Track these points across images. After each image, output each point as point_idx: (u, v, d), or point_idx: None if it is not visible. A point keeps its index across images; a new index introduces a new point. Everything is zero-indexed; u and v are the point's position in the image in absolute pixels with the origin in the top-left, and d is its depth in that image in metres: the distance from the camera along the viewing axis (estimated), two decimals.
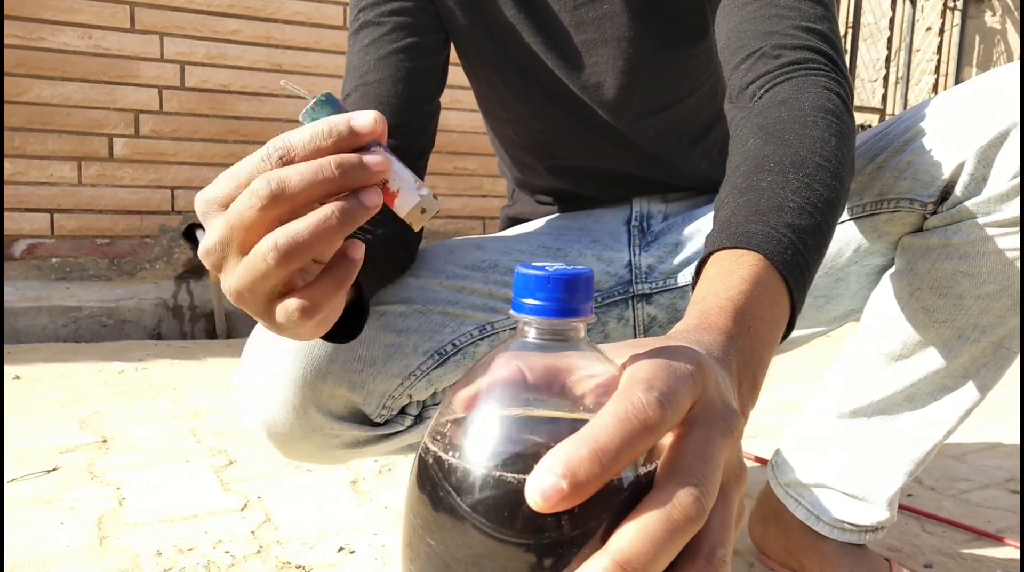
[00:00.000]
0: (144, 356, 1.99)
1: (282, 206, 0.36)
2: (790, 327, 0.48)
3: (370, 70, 0.81)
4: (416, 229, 0.40)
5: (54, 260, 2.29)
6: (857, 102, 3.79)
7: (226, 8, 2.38)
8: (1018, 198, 0.66)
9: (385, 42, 0.82)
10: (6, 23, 2.14)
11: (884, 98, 3.83)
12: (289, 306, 0.40)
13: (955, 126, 0.69)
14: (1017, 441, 1.47)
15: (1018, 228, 0.67)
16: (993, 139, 0.65)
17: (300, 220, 0.36)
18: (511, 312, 0.31)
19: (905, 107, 3.93)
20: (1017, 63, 0.69)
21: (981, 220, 0.68)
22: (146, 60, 2.31)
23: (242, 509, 1.04)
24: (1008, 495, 1.20)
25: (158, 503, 1.05)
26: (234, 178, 0.38)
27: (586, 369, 0.31)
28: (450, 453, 0.30)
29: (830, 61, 0.66)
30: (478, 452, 0.29)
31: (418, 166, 0.85)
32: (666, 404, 0.27)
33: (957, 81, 4.09)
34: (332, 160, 0.36)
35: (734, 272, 0.45)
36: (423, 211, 0.38)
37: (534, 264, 0.31)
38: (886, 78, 3.82)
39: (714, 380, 0.31)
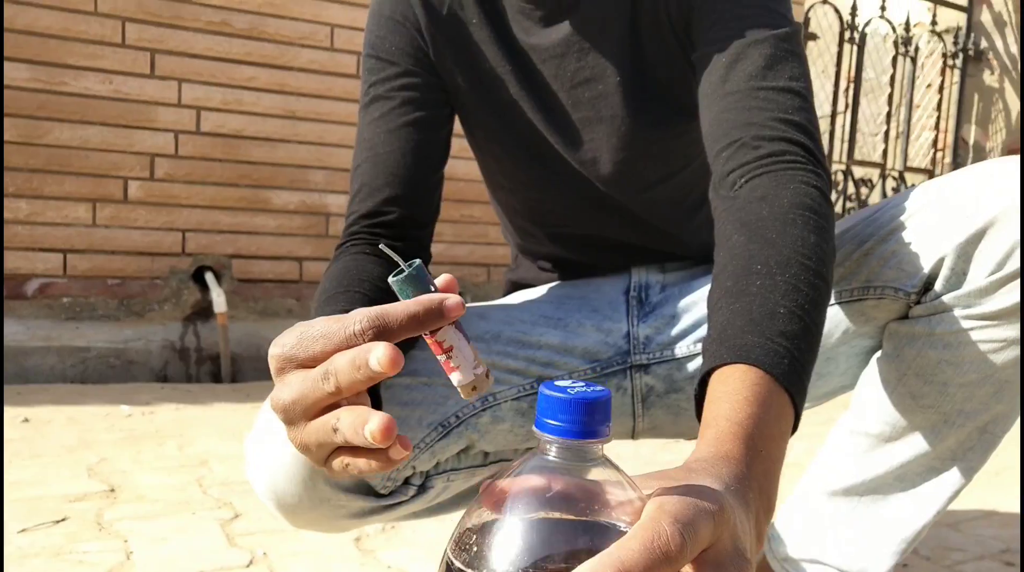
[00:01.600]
0: (151, 399, 2.02)
1: (365, 386, 0.39)
2: (794, 428, 0.52)
3: (381, 142, 0.86)
4: (465, 399, 0.44)
5: (65, 299, 2.33)
6: (858, 156, 3.85)
7: (243, 56, 2.44)
8: (996, 293, 0.69)
9: (395, 116, 0.86)
10: (30, 68, 2.20)
11: (884, 153, 3.89)
12: (348, 466, 0.43)
13: (937, 219, 0.73)
14: (1013, 509, 1.49)
15: (998, 321, 0.70)
16: (972, 235, 0.69)
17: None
18: (534, 429, 0.35)
19: (905, 162, 3.99)
20: (999, 161, 0.73)
21: (962, 313, 0.72)
22: (164, 105, 2.37)
23: (248, 566, 1.06)
24: (1003, 567, 1.22)
25: (165, 557, 1.07)
26: (317, 341, 0.41)
27: (604, 489, 0.34)
28: (474, 567, 0.32)
29: (807, 152, 0.70)
30: (501, 566, 0.32)
31: (424, 234, 0.88)
32: (688, 539, 0.31)
33: (956, 138, 4.15)
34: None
35: (739, 392, 0.48)
36: (474, 388, 0.41)
37: (556, 384, 0.35)
38: (887, 133, 3.89)
39: (732, 523, 0.34)
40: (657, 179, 0.91)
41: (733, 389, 0.49)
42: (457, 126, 0.94)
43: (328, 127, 2.57)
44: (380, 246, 0.46)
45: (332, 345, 0.40)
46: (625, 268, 0.98)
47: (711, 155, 0.75)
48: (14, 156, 2.22)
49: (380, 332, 0.39)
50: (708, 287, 0.79)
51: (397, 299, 0.42)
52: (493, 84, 0.88)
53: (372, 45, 0.89)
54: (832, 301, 0.79)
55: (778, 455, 0.47)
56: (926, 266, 0.72)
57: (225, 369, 2.34)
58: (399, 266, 0.42)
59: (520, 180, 0.95)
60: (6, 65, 2.18)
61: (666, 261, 0.98)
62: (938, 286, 0.72)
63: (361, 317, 0.40)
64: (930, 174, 4.10)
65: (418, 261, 0.42)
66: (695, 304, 0.90)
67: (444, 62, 0.88)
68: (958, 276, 0.70)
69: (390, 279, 0.41)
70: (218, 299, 2.36)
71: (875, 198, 3.94)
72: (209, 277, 2.44)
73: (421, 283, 0.41)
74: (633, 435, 0.93)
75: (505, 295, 1.09)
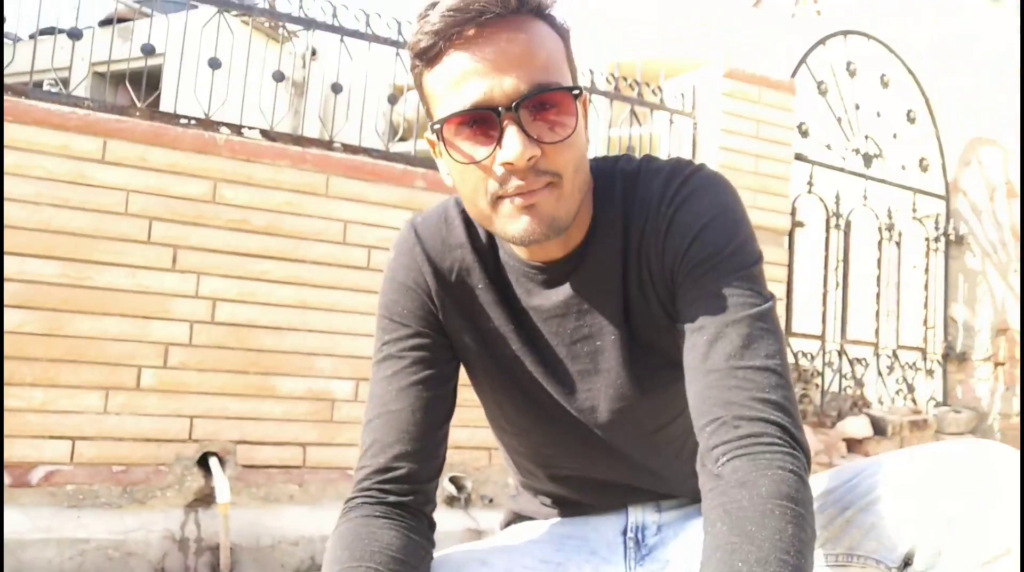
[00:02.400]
0: None
1: None
2: None
3: (392, 399, 0.93)
4: None
5: (69, 487, 2.34)
6: (851, 336, 3.95)
7: (260, 251, 2.58)
8: None
9: (405, 374, 0.94)
10: (60, 264, 2.33)
11: (876, 332, 4.00)
12: None
13: (917, 495, 0.78)
14: None
15: None
16: (950, 518, 0.74)
17: None
18: None
19: (898, 341, 4.09)
20: (971, 445, 0.79)
21: None
22: (182, 297, 2.48)
23: None
24: None
25: None
26: None
27: None
28: None
29: (784, 431, 0.77)
30: None
31: (431, 487, 0.94)
32: None
33: (945, 317, 4.28)
34: None
35: None
36: None
37: None
38: (877, 313, 4.01)
39: None
40: (651, 427, 0.98)
41: None
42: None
43: (337, 316, 2.67)
44: None
45: None
46: (622, 507, 1.03)
47: (697, 429, 0.82)
48: (34, 347, 2.30)
49: None
50: (701, 526, 0.84)
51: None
52: (497, 341, 0.96)
53: (386, 306, 0.98)
54: (820, 563, 0.83)
55: None
56: (905, 543, 0.77)
57: (224, 561, 2.31)
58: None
59: (522, 426, 1.02)
60: (35, 262, 2.30)
61: (661, 500, 1.03)
62: (917, 564, 0.76)
63: None
64: (922, 352, 4.19)
65: None
66: (689, 549, 0.94)
67: (452, 323, 0.96)
68: (935, 555, 0.75)
69: None
70: (221, 488, 2.37)
71: (870, 376, 4.01)
72: (214, 464, 2.46)
73: None
74: None
75: (507, 525, 1.14)
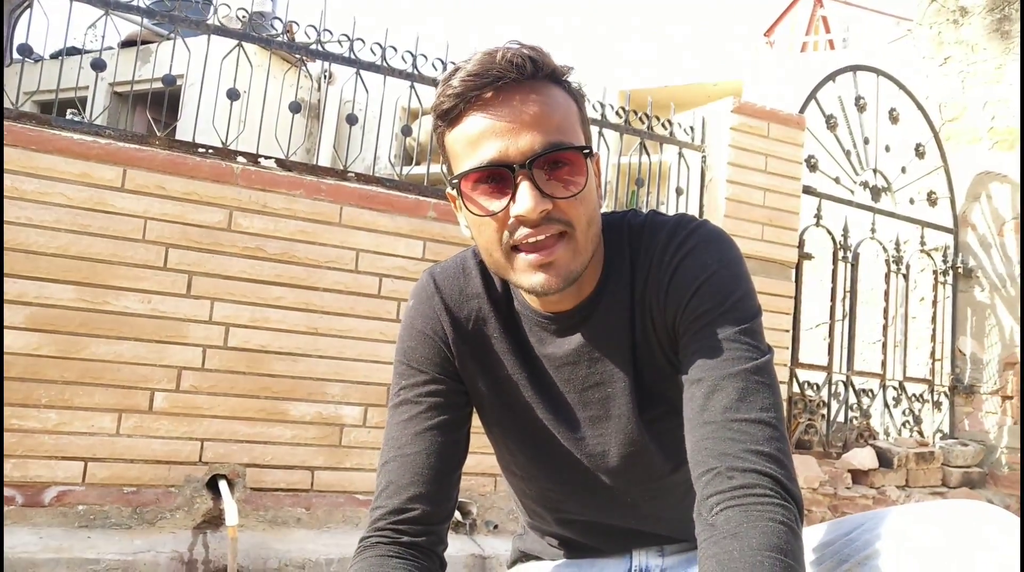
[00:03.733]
0: None
1: None
2: None
3: (408, 443, 0.96)
4: None
5: (80, 507, 2.38)
6: (858, 367, 3.96)
7: (273, 278, 2.63)
8: None
9: (421, 419, 0.98)
10: (77, 289, 2.38)
11: (883, 363, 4.00)
12: None
13: (915, 553, 0.80)
14: None
15: None
16: None
17: None
18: None
19: (905, 373, 4.10)
20: (966, 509, 0.81)
21: None
22: (196, 322, 2.53)
23: None
24: None
25: None
26: None
27: None
28: None
29: (777, 484, 0.80)
30: None
31: (443, 528, 0.97)
32: None
33: (953, 349, 4.28)
34: None
35: None
36: None
37: None
38: (884, 344, 4.02)
39: None
40: (659, 472, 1.01)
41: None
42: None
43: (348, 342, 2.72)
44: None
45: None
46: (627, 550, 1.07)
47: (693, 478, 0.85)
48: (50, 370, 2.35)
49: None
50: None
51: None
52: (510, 388, 1.00)
53: (404, 353, 1.02)
54: None
55: None
56: None
57: None
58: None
59: (532, 472, 1.05)
60: (54, 286, 2.36)
61: (665, 544, 1.06)
62: None
63: None
64: (930, 384, 4.19)
65: None
66: None
67: (468, 370, 1.00)
68: None
69: None
70: (230, 511, 2.40)
71: (876, 407, 4.01)
72: (223, 486, 2.50)
73: None
74: None
75: (513, 564, 1.17)
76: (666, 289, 0.93)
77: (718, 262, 0.93)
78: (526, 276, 0.88)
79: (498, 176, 0.86)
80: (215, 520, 2.52)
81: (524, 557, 1.17)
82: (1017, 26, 4.23)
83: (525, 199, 0.84)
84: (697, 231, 0.95)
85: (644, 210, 1.03)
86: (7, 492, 2.30)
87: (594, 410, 0.98)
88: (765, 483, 0.79)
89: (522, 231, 0.86)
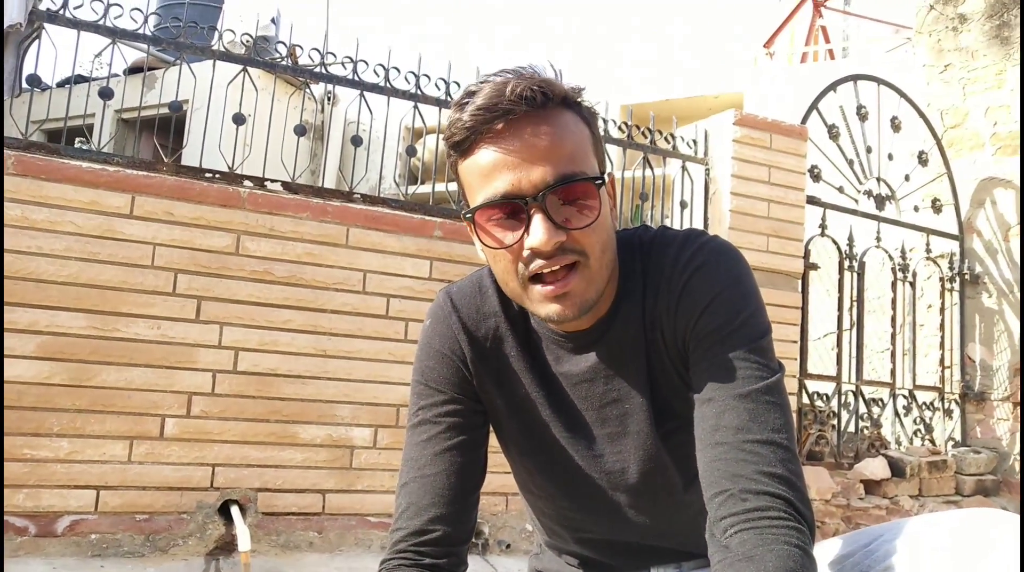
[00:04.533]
0: None
1: None
2: None
3: (427, 464, 0.97)
4: None
5: (93, 536, 2.38)
6: (867, 376, 3.95)
7: (281, 301, 2.64)
8: None
9: (440, 439, 0.98)
10: (87, 317, 2.39)
11: (893, 372, 3.99)
12: None
13: (934, 563, 0.80)
14: None
15: None
16: None
17: None
18: None
19: (914, 381, 4.08)
20: (999, 513, 0.81)
21: None
22: (205, 347, 2.54)
23: None
24: None
25: None
26: None
27: None
28: None
29: (790, 506, 0.80)
30: None
31: (463, 549, 0.97)
32: None
33: (962, 356, 4.27)
34: None
35: None
36: None
37: None
38: (893, 353, 4.01)
39: None
40: (678, 487, 1.01)
41: None
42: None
43: (356, 364, 2.72)
44: None
45: None
46: (645, 568, 1.06)
47: (706, 498, 0.85)
48: (62, 398, 2.36)
49: None
50: None
51: None
52: (528, 407, 1.01)
53: (422, 373, 1.02)
54: None
55: None
56: None
57: None
58: None
59: (549, 492, 1.05)
60: (64, 314, 2.37)
61: (682, 561, 1.06)
62: None
63: None
64: (940, 392, 4.17)
65: None
66: None
67: (485, 389, 1.01)
68: None
69: None
70: (242, 537, 2.40)
71: (887, 416, 4.00)
72: (235, 512, 2.50)
73: None
74: None
75: None
76: (676, 306, 0.93)
77: (727, 279, 0.93)
78: (542, 306, 0.88)
79: (511, 209, 0.86)
80: (227, 546, 2.51)
81: None
82: (1016, 32, 4.25)
83: (538, 232, 0.84)
84: (706, 246, 0.96)
85: (653, 226, 1.03)
86: (19, 523, 2.30)
87: (612, 427, 0.99)
88: (779, 505, 0.79)
89: (537, 262, 0.86)
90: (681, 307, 0.93)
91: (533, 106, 0.85)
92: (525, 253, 0.86)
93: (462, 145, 0.87)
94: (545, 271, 0.86)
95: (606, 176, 0.91)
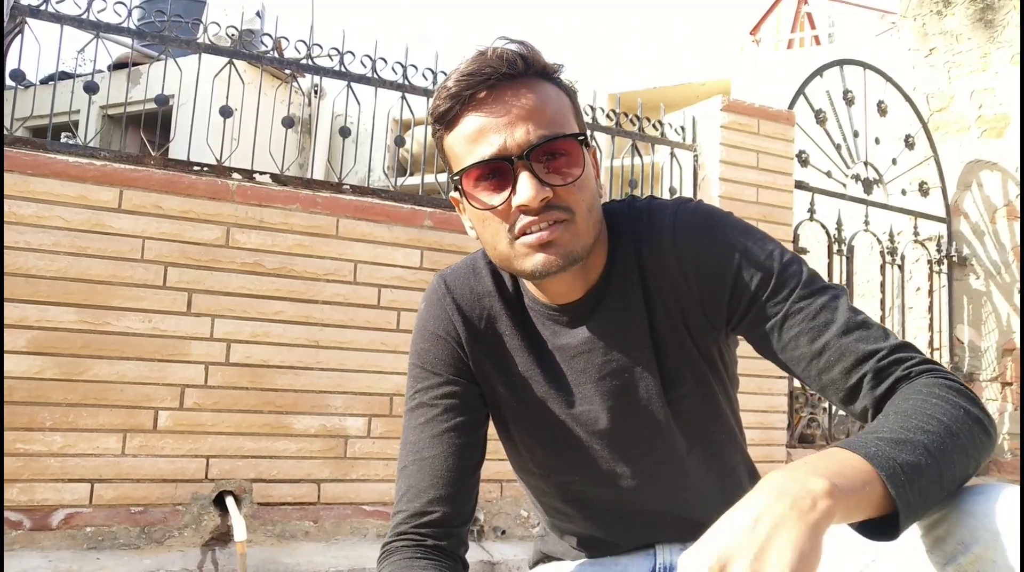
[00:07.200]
0: None
1: None
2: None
3: (425, 446, 0.97)
4: None
5: (88, 529, 2.38)
6: None
7: (272, 292, 2.64)
8: None
9: (438, 422, 0.99)
10: (77, 311, 2.39)
11: None
12: None
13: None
14: None
15: None
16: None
17: None
18: None
19: None
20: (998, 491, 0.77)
21: None
22: (197, 339, 2.54)
23: None
24: None
25: None
26: None
27: None
28: None
29: (933, 363, 0.83)
30: None
31: (464, 531, 0.98)
32: None
33: (951, 338, 4.30)
34: None
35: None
36: None
37: None
38: None
39: None
40: (682, 450, 1.01)
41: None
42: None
43: (349, 354, 2.72)
44: None
45: None
46: (650, 545, 1.07)
47: (839, 396, 0.87)
48: (54, 392, 2.36)
49: None
50: None
51: None
52: (525, 385, 1.01)
53: (418, 356, 1.03)
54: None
55: (834, 469, 0.62)
56: None
57: None
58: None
59: (551, 467, 1.06)
60: (55, 309, 2.36)
61: (687, 539, 1.06)
62: None
63: None
64: None
65: None
66: None
67: (482, 370, 1.01)
68: None
69: None
70: (238, 527, 2.41)
71: None
72: (230, 502, 2.50)
73: None
74: None
75: (535, 565, 1.17)
76: (694, 273, 0.94)
77: (737, 233, 0.94)
78: (528, 260, 0.89)
79: (498, 170, 0.88)
80: (223, 537, 2.52)
81: (545, 558, 1.17)
82: (1000, 14, 4.27)
83: (525, 188, 0.86)
84: (700, 210, 0.97)
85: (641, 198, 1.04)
86: (14, 517, 2.31)
87: (615, 398, 0.99)
88: (930, 365, 0.83)
89: (524, 220, 0.87)
90: (703, 275, 0.93)
91: (514, 70, 0.87)
92: (513, 212, 0.88)
93: (447, 115, 0.89)
94: (532, 228, 0.87)
95: (589, 148, 0.92)
